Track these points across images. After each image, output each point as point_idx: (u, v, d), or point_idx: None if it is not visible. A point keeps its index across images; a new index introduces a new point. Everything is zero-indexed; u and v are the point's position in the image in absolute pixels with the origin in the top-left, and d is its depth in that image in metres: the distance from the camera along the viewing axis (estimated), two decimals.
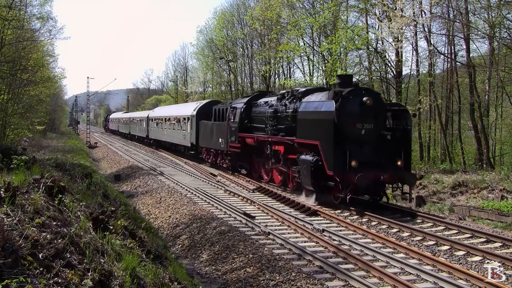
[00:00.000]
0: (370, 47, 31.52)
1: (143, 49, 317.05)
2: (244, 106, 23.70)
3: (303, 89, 19.20)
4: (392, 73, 30.44)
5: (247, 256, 11.20)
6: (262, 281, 9.60)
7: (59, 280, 4.19)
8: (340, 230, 13.58)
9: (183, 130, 35.76)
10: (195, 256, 12.44)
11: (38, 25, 30.93)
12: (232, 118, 24.43)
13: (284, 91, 20.73)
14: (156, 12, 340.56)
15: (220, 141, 26.30)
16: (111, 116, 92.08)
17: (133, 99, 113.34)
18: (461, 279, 9.38)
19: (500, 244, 11.85)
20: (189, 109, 35.26)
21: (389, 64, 30.48)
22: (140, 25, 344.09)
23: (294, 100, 18.97)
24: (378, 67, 32.87)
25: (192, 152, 33.91)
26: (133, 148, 47.99)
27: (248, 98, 24.35)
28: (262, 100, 22.87)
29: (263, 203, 17.11)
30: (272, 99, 21.48)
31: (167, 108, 50.23)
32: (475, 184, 19.58)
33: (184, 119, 35.30)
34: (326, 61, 32.44)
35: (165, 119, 41.71)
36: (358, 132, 15.76)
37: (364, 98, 15.65)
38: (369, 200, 16.64)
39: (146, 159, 36.11)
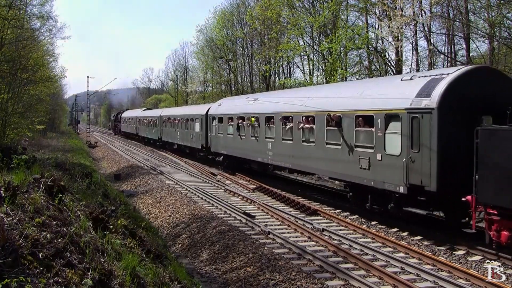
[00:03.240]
0: (370, 46, 31.50)
1: (143, 49, 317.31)
2: None
3: None
4: (392, 73, 30.40)
5: (247, 255, 11.21)
6: (262, 281, 9.61)
7: (59, 280, 4.19)
8: (340, 230, 13.59)
9: (390, 156, 13.16)
10: (195, 256, 12.45)
11: (38, 24, 30.97)
12: None
13: None
14: (156, 12, 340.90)
15: None
16: (124, 115, 71.77)
17: (132, 99, 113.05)
18: (461, 278, 9.38)
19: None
20: (409, 89, 13.04)
21: (389, 64, 30.47)
22: (140, 24, 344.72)
23: None
24: (378, 67, 32.85)
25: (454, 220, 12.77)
26: (133, 148, 47.97)
27: None
28: None
29: (263, 203, 17.12)
30: None
31: (290, 93, 23.18)
32: None
33: (390, 117, 13.27)
34: (326, 61, 32.43)
35: (291, 117, 18.74)
36: None
37: None
38: None
39: (146, 158, 36.13)
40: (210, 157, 29.31)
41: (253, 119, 22.11)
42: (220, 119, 26.79)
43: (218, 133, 26.97)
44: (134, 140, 59.20)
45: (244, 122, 23.17)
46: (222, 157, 26.95)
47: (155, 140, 47.03)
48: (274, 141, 20.02)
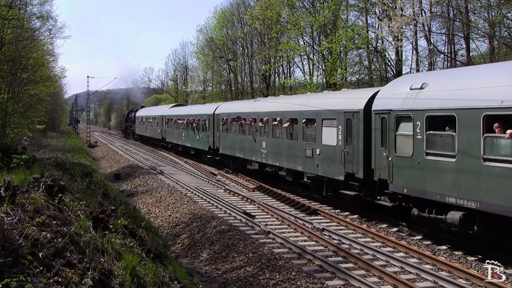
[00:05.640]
0: (370, 46, 31.51)
1: (143, 48, 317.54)
2: None
3: None
4: (392, 72, 30.39)
5: (247, 255, 11.21)
6: (262, 280, 9.61)
7: (59, 279, 4.19)
8: (340, 229, 13.59)
9: None
10: (195, 255, 12.45)
11: (38, 24, 31.01)
12: None
13: None
14: (156, 11, 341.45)
15: None
16: (139, 114, 56.36)
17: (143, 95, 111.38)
18: (461, 278, 9.39)
19: None
20: None
21: (389, 63, 30.47)
22: (140, 24, 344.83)
23: None
24: (378, 66, 32.87)
25: None
26: (133, 147, 47.93)
27: None
28: None
29: (263, 202, 17.12)
30: None
31: None
32: None
33: None
34: (326, 60, 32.43)
35: None
36: None
37: None
38: None
39: (146, 158, 36.11)
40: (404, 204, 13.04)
41: None
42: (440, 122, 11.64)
43: (429, 154, 11.66)
44: (159, 148, 44.91)
45: None
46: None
47: (202, 151, 31.76)
48: None
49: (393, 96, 13.42)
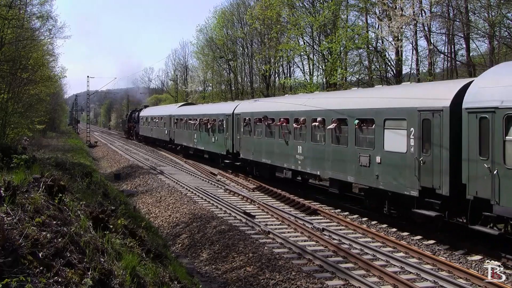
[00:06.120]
0: (370, 46, 31.50)
1: (143, 48, 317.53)
2: None
3: None
4: (392, 72, 30.40)
5: (247, 255, 11.21)
6: (262, 280, 9.61)
7: (59, 279, 4.19)
8: (340, 229, 13.59)
9: None
10: (195, 255, 12.46)
11: (38, 24, 31.01)
12: None
13: None
14: (157, 11, 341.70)
15: None
16: (143, 113, 53.28)
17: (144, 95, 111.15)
18: (461, 278, 9.39)
19: None
20: None
21: (389, 63, 30.46)
22: (140, 24, 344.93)
23: None
24: (378, 66, 32.85)
25: None
26: (133, 147, 47.92)
27: None
28: None
29: (263, 202, 17.12)
30: None
31: None
32: None
33: None
34: (326, 60, 32.42)
35: None
36: None
37: None
38: None
39: (146, 158, 36.11)
40: None
41: None
42: None
43: None
44: (159, 148, 44.08)
45: None
46: None
47: (219, 155, 27.97)
48: None
49: (497, 90, 10.35)
